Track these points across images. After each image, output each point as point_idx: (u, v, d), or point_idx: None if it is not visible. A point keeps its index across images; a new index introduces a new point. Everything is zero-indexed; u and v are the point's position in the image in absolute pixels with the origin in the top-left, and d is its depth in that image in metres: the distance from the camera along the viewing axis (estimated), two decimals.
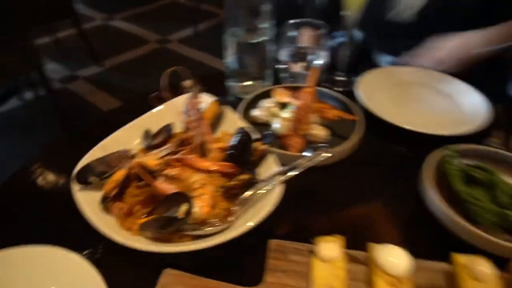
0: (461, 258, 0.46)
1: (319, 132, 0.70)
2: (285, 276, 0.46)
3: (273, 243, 0.49)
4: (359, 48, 1.06)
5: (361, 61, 1.10)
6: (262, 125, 0.73)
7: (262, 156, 0.57)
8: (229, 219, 0.50)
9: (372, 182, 0.65)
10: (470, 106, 0.81)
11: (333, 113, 0.70)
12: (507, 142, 0.74)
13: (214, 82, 0.87)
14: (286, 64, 0.84)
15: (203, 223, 0.50)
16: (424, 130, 0.70)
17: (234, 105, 0.74)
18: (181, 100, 0.66)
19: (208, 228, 0.49)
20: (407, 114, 0.80)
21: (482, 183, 0.61)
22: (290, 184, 0.53)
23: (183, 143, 0.58)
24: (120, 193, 0.53)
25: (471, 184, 0.62)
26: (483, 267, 0.44)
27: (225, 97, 0.68)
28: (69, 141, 0.78)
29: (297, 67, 0.85)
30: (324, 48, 0.82)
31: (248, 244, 0.51)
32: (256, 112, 0.75)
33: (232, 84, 0.84)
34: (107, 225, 0.48)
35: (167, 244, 0.48)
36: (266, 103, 0.77)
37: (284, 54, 0.83)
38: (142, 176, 0.52)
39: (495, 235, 0.52)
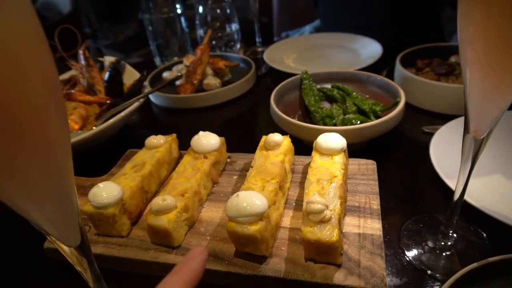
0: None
1: (210, 81, 0.79)
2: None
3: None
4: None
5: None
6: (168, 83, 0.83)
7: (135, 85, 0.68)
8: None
9: None
10: (367, 53, 0.86)
11: (222, 63, 0.80)
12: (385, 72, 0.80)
13: None
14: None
15: None
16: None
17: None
18: None
19: None
20: (310, 67, 0.87)
21: (338, 100, 0.66)
22: None
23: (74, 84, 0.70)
24: None
25: (331, 103, 0.67)
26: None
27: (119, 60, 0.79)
28: None
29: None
30: (232, 17, 0.94)
31: None
32: (164, 74, 0.86)
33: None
34: None
35: None
36: (177, 67, 0.88)
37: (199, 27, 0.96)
38: None
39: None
